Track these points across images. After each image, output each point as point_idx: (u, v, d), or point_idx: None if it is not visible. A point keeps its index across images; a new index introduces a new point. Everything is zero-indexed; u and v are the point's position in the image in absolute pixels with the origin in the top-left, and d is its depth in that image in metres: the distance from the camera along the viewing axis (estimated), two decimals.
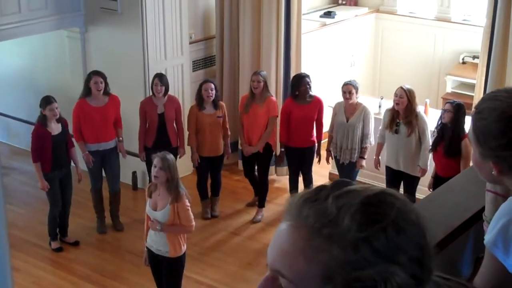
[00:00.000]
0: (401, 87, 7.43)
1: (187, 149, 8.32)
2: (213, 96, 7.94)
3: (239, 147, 9.03)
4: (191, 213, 6.06)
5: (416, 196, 7.65)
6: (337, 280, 1.07)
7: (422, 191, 7.68)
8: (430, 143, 7.39)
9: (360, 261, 1.06)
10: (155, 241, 6.08)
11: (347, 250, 1.07)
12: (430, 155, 7.46)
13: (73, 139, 7.81)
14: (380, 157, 7.90)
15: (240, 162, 9.45)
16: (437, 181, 7.17)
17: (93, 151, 7.85)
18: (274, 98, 8.37)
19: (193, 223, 6.09)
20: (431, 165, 7.56)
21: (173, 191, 5.92)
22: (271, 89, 8.62)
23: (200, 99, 8.00)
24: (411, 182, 7.67)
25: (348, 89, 7.78)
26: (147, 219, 6.13)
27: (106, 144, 7.89)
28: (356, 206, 1.10)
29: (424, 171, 7.54)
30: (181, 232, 6.07)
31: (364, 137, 7.88)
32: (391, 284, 1.06)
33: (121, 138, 7.99)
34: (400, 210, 1.12)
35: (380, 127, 7.80)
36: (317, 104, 8.07)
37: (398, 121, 7.48)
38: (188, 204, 6.04)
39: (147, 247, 6.20)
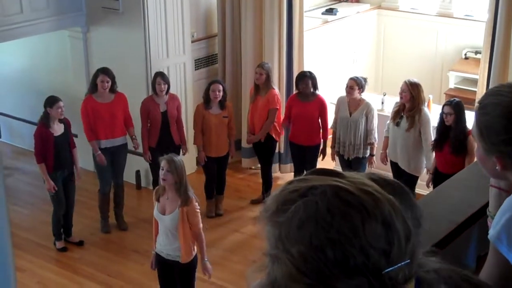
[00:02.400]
0: (405, 81, 7.44)
1: (191, 147, 8.31)
2: (220, 97, 7.95)
3: (242, 145, 9.03)
4: (199, 217, 5.98)
5: (417, 192, 7.65)
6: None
7: (420, 185, 7.67)
8: (431, 142, 7.37)
9: (268, 237, 1.21)
10: (166, 246, 5.98)
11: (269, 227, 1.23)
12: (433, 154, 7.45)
13: (83, 139, 7.81)
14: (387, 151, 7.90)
15: (243, 160, 9.45)
16: (437, 177, 7.16)
17: (102, 148, 7.84)
18: (276, 90, 8.38)
19: (201, 225, 6.00)
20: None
21: (182, 194, 5.82)
22: (274, 87, 8.61)
23: (207, 99, 8.01)
24: (410, 181, 7.64)
25: (350, 83, 7.82)
26: (155, 223, 6.03)
27: (114, 141, 7.88)
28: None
29: (428, 171, 7.54)
30: (201, 243, 6.03)
31: (368, 133, 7.90)
32: (276, 267, 1.18)
33: (134, 136, 8.00)
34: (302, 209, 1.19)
35: (388, 121, 7.82)
36: (319, 103, 8.08)
37: (402, 114, 7.51)
38: (198, 207, 5.95)
39: (156, 252, 6.09)
